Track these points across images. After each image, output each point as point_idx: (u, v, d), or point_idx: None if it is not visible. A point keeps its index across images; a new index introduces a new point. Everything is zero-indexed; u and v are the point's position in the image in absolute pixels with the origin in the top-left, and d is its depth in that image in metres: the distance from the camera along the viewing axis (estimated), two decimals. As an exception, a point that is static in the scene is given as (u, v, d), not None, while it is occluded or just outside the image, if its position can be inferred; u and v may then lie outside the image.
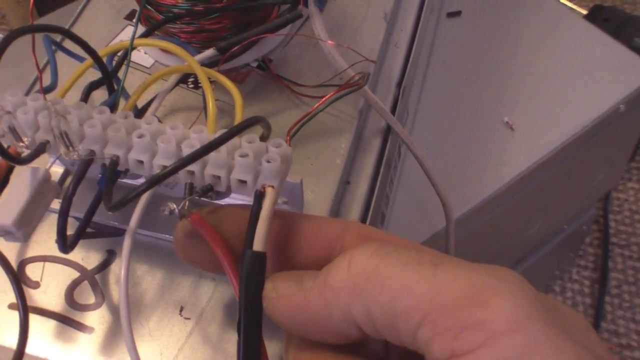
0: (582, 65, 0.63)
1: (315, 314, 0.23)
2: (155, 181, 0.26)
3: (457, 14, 0.66)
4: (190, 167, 0.27)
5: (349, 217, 0.34)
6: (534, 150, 0.57)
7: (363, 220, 0.35)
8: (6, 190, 0.31)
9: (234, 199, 0.33)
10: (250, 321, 0.24)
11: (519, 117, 0.59)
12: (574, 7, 0.98)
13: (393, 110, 0.40)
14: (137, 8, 0.40)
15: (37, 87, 0.39)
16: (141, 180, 0.33)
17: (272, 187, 0.27)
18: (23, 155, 0.29)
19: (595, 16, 0.94)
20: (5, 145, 0.28)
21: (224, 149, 0.27)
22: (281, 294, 0.24)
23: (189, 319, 0.31)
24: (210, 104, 0.30)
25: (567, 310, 0.23)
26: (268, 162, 0.27)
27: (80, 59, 0.35)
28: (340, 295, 0.22)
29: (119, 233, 0.34)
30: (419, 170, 0.40)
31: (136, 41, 0.31)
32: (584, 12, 0.97)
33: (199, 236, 0.27)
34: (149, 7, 0.35)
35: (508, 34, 0.65)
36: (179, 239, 0.27)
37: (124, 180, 0.33)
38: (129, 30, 0.40)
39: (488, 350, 0.19)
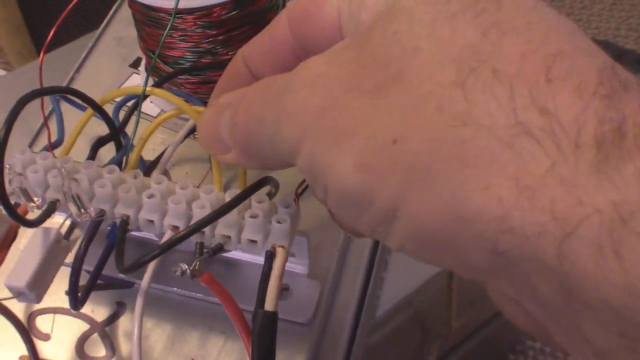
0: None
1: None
2: (167, 247, 0.27)
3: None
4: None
5: (355, 265, 0.35)
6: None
7: (369, 267, 0.35)
8: (14, 250, 0.31)
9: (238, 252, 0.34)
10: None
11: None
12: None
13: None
14: (142, 56, 0.40)
15: (41, 137, 0.39)
16: (148, 234, 0.34)
17: (283, 247, 0.28)
18: (33, 215, 0.29)
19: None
20: (14, 202, 0.28)
21: (234, 209, 0.28)
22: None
23: (199, 374, 0.31)
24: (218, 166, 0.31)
25: None
26: (278, 222, 0.28)
27: (85, 109, 0.35)
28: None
29: (128, 285, 0.34)
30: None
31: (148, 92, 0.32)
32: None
33: None
34: (157, 59, 0.35)
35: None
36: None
37: (132, 234, 0.34)
38: (134, 78, 0.40)
39: None
